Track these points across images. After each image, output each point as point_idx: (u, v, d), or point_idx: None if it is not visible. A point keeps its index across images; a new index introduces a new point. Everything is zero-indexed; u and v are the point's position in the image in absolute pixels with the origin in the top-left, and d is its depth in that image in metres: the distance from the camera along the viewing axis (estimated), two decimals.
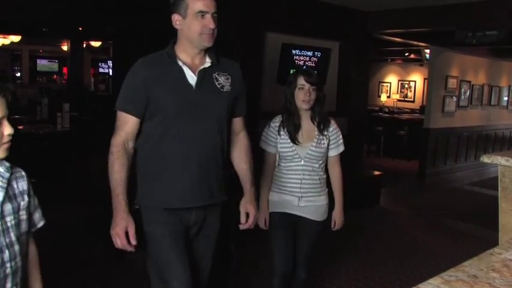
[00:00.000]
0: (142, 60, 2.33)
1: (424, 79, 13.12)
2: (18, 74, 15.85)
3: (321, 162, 3.02)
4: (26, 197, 1.72)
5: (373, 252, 5.11)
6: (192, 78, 2.29)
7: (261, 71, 6.01)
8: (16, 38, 11.64)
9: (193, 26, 2.24)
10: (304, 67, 6.11)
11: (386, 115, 12.62)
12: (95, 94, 14.22)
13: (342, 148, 3.11)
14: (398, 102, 14.48)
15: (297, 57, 6.25)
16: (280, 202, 3.03)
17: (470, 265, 1.63)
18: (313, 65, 6.39)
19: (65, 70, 15.75)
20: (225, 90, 2.36)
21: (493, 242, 1.96)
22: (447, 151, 9.72)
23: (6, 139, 1.60)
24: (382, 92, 15.00)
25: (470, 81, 10.05)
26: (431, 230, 6.13)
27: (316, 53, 6.43)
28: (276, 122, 3.04)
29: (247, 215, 2.54)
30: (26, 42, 13.07)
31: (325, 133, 3.02)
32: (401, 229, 6.08)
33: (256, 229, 2.77)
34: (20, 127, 6.68)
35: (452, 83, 9.44)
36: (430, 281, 1.49)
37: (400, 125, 11.28)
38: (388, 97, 14.77)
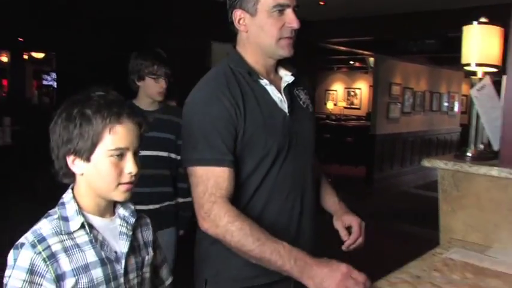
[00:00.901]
0: (212, 82, 1.61)
1: (370, 86, 13.47)
2: None
3: None
4: (150, 250, 1.40)
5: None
6: (280, 101, 1.63)
7: None
8: None
9: (268, 27, 1.57)
10: None
11: (334, 122, 12.85)
12: (39, 107, 13.82)
13: None
14: (344, 110, 14.78)
15: None
16: None
17: (414, 266, 1.69)
18: None
19: (4, 82, 15.25)
20: (310, 110, 1.78)
21: (436, 242, 2.02)
22: (393, 156, 9.99)
23: (126, 179, 1.24)
24: (328, 100, 15.26)
25: (412, 88, 10.39)
26: (379, 233, 6.25)
27: None
28: None
29: (349, 230, 1.84)
30: None
31: None
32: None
33: None
34: None
35: (396, 90, 9.72)
36: (377, 283, 1.53)
37: (347, 131, 11.50)
38: (335, 105, 15.05)
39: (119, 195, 1.26)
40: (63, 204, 1.26)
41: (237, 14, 1.60)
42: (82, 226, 1.23)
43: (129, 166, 1.23)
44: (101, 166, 1.22)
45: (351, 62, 13.49)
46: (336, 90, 15.39)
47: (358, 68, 14.17)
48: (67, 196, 1.27)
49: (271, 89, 1.63)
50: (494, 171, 1.87)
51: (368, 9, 6.39)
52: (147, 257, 1.39)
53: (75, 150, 1.21)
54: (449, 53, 7.94)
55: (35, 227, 1.22)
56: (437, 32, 6.85)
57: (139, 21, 5.70)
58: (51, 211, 1.27)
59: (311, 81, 7.72)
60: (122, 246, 1.30)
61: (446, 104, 11.87)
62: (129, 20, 5.64)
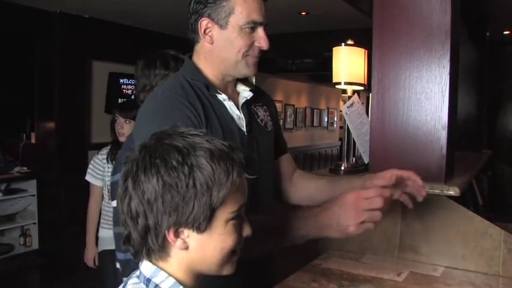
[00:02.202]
0: (169, 93, 1.46)
1: None
2: None
3: None
4: None
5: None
6: (238, 118, 1.52)
7: (88, 100, 5.83)
8: None
9: (237, 42, 1.45)
10: (132, 97, 6.06)
11: None
12: None
13: None
14: None
15: (125, 86, 6.17)
16: (112, 239, 2.94)
17: (294, 279, 1.74)
18: None
19: None
20: (269, 129, 1.65)
21: (316, 254, 2.10)
22: None
23: (241, 243, 0.97)
24: None
25: (294, 105, 10.79)
26: None
27: None
28: (103, 153, 2.96)
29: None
30: None
31: None
32: None
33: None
34: None
35: (277, 107, 10.00)
36: None
37: None
38: None
39: (230, 269, 0.98)
40: None
41: (204, 23, 1.44)
42: None
43: (247, 230, 0.97)
44: (222, 233, 0.91)
45: None
46: None
47: None
48: (166, 281, 0.91)
49: (230, 105, 1.50)
50: None
51: None
52: None
53: (187, 220, 0.87)
54: (325, 71, 8.36)
55: None
56: (314, 52, 7.21)
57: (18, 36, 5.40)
58: None
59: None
60: None
61: (326, 119, 12.46)
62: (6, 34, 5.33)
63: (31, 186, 5.47)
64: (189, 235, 0.89)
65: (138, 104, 1.93)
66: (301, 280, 1.71)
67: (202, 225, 0.87)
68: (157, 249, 0.90)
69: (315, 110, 11.79)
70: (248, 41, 1.45)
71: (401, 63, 1.94)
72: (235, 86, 1.59)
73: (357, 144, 2.18)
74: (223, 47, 1.46)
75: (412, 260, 1.96)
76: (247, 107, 1.56)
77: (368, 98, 2.22)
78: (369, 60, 2.10)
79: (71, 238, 4.89)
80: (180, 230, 0.88)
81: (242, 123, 1.51)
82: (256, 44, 1.46)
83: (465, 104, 3.84)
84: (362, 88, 2.21)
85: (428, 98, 1.90)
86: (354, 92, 2.20)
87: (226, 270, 0.96)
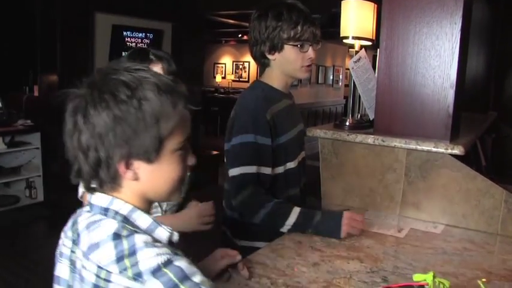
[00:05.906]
0: None
1: None
2: None
3: None
4: None
5: None
6: None
7: (91, 53, 5.77)
8: None
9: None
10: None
11: (222, 95, 12.88)
12: None
13: None
14: (233, 83, 14.86)
15: (129, 38, 6.12)
16: None
17: (296, 233, 1.75)
18: (146, 46, 6.30)
19: None
20: None
21: (318, 209, 2.11)
22: None
23: (187, 172, 1.02)
24: (217, 73, 15.24)
25: None
26: None
27: (148, 34, 6.34)
28: None
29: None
30: None
31: None
32: None
33: None
34: None
35: None
36: (260, 251, 1.57)
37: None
38: (223, 78, 15.06)
39: (178, 196, 1.04)
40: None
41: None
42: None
43: (192, 159, 1.00)
44: (170, 164, 0.95)
45: (239, 35, 13.55)
46: (224, 64, 15.40)
47: (247, 41, 14.17)
48: (124, 207, 0.94)
49: None
50: (370, 139, 1.99)
51: None
52: None
53: (138, 151, 0.90)
54: (332, 28, 8.23)
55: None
56: (321, 7, 7.07)
57: None
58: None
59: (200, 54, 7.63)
60: None
61: (331, 77, 12.35)
62: None
63: (35, 139, 5.48)
64: (139, 166, 0.92)
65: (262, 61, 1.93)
66: (303, 234, 1.72)
67: (152, 156, 0.91)
68: (109, 181, 0.93)
69: (320, 67, 11.67)
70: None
71: (411, 18, 1.90)
72: None
73: (363, 100, 2.16)
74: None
75: (413, 217, 1.97)
76: None
77: (375, 56, 2.18)
78: (378, 15, 2.05)
79: (75, 191, 4.93)
80: (131, 161, 0.91)
81: None
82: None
83: (473, 64, 3.78)
84: (370, 43, 2.16)
85: (437, 54, 1.87)
86: (362, 47, 2.16)
87: (175, 198, 1.02)
